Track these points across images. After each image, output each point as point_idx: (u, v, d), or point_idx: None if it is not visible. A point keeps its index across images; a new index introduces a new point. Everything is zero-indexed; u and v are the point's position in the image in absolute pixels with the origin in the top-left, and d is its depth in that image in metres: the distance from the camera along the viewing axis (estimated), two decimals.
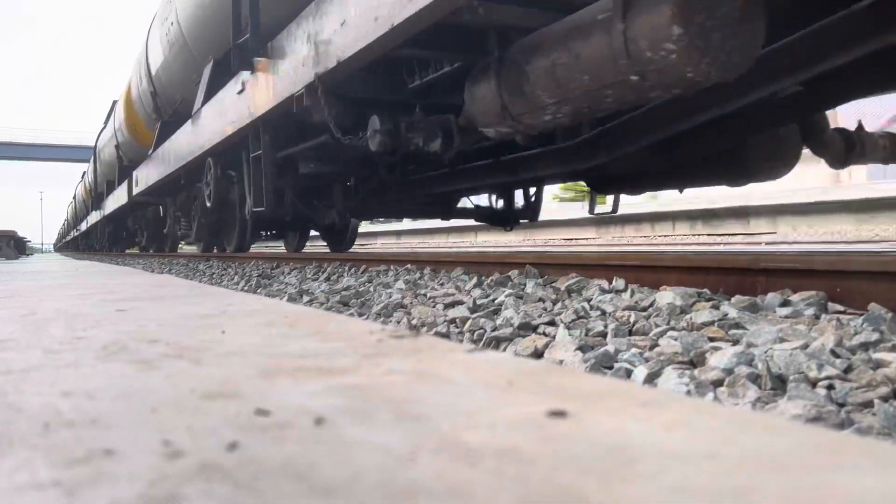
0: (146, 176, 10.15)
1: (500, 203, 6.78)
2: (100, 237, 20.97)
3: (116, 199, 14.53)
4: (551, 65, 2.59)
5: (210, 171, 6.72)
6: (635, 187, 4.73)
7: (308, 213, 6.53)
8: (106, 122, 16.60)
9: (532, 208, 6.63)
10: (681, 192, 4.61)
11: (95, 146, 18.44)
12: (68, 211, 37.18)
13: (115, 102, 15.06)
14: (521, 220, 6.86)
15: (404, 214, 8.23)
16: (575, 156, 4.02)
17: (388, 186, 6.24)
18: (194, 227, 9.06)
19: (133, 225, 15.80)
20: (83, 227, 25.96)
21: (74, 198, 31.27)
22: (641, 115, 3.45)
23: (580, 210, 22.13)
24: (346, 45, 3.31)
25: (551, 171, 4.39)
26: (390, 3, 2.83)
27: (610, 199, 5.61)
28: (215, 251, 9.77)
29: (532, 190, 6.48)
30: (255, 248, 12.07)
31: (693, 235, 16.51)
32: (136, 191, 11.36)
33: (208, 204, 6.98)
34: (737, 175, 3.98)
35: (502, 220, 6.88)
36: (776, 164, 3.85)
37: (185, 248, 14.35)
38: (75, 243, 32.98)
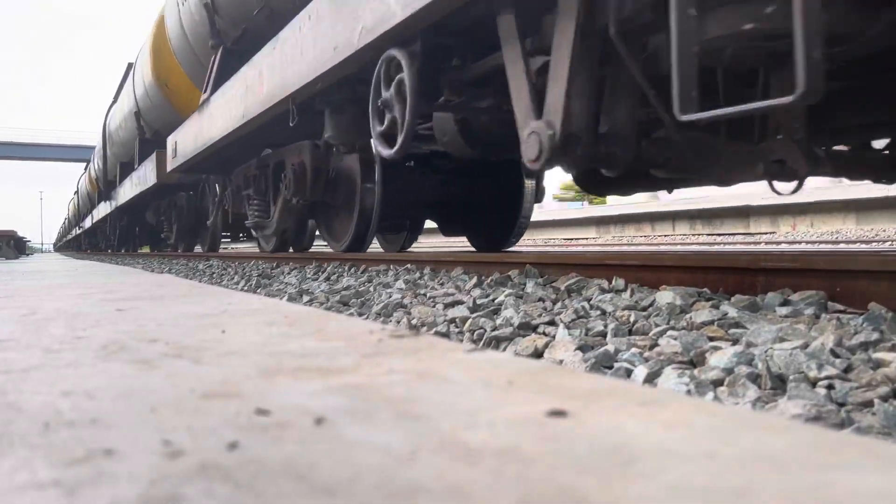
0: (196, 136, 6.85)
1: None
2: (108, 234, 17.94)
3: (136, 184, 11.27)
4: None
5: (402, 76, 3.31)
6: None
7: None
8: (117, 94, 13.91)
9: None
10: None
11: (105, 125, 15.45)
12: (69, 208, 36.59)
13: (130, 65, 12.37)
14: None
15: (857, 172, 3.50)
16: None
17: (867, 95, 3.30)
18: (276, 213, 6.27)
19: (157, 217, 12.36)
20: (87, 223, 22.74)
21: (77, 193, 29.29)
22: None
23: (580, 210, 22.15)
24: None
25: None
26: None
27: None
28: (287, 250, 6.96)
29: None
30: (255, 248, 9.63)
31: (693, 235, 16.52)
32: (172, 165, 8.03)
33: (383, 148, 3.56)
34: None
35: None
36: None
37: (235, 247, 11.94)
38: (77, 242, 32.10)
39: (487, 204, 5.81)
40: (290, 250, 6.97)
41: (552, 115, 2.52)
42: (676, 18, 1.91)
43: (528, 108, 2.67)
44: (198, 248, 10.92)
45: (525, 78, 2.70)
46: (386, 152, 3.51)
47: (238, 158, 6.78)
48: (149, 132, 11.05)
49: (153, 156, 9.73)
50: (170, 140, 8.05)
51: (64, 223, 45.17)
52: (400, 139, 3.36)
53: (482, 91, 3.36)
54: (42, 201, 79.39)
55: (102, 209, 17.11)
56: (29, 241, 23.24)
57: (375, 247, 7.21)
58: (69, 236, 37.60)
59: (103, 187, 16.36)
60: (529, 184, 5.57)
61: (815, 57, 1.67)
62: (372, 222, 5.19)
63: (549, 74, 2.56)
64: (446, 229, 6.48)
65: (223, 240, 10.49)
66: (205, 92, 6.51)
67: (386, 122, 3.49)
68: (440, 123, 4.15)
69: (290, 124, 4.68)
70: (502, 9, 2.77)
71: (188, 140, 7.12)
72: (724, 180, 2.95)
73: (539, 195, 5.62)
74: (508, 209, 5.70)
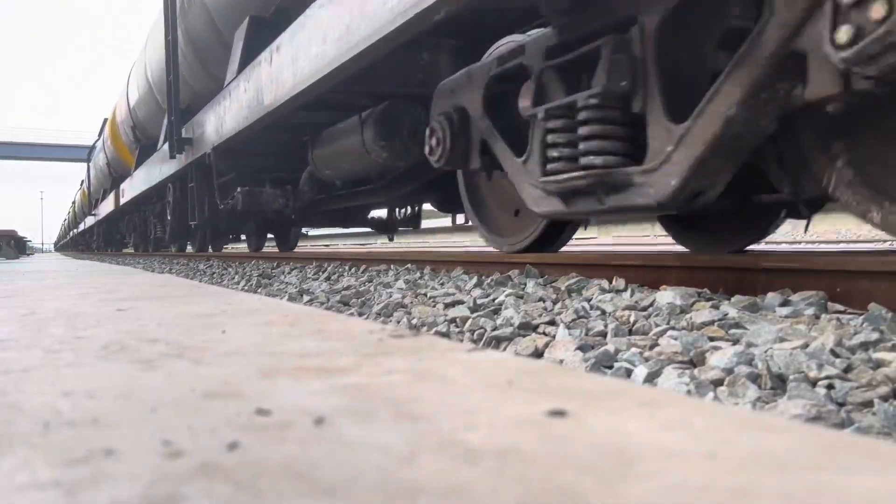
0: (130, 188, 12.57)
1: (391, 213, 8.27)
2: (95, 238, 23.65)
3: (108, 206, 17.01)
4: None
5: (170, 192, 9.41)
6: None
7: (236, 227, 9.19)
8: (99, 136, 18.87)
9: (413, 218, 8.00)
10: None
11: (89, 157, 21.04)
12: (68, 213, 37.59)
13: (105, 120, 17.24)
14: (400, 228, 8.23)
15: (331, 223, 9.52)
16: (382, 191, 5.84)
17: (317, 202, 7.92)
18: (167, 232, 10.68)
19: (124, 228, 17.90)
20: (81, 228, 28.75)
21: (74, 203, 32.77)
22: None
23: None
24: (229, 128, 5.84)
25: (373, 199, 6.28)
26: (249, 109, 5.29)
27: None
28: (185, 250, 12.07)
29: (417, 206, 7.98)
30: (239, 248, 13.79)
31: None
32: (122, 200, 13.69)
33: (168, 216, 9.55)
34: None
35: (386, 227, 8.31)
36: None
37: (185, 249, 15.46)
38: (74, 243, 33.64)
39: (280, 227, 10.31)
40: (186, 250, 11.93)
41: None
42: None
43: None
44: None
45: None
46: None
47: (152, 201, 11.73)
48: (114, 173, 16.16)
49: (114, 191, 15.06)
50: (121, 186, 13.88)
51: (64, 225, 45.57)
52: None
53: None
54: (42, 201, 79.46)
55: (91, 219, 23.11)
56: (29, 240, 23.37)
57: (359, 246, 11.40)
58: (68, 238, 38.79)
59: (90, 203, 22.24)
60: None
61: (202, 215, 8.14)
62: (206, 238, 10.76)
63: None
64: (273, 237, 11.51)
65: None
66: (133, 169, 12.12)
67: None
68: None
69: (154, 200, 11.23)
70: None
71: (129, 187, 12.56)
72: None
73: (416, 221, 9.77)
74: (288, 231, 10.73)
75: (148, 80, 9.92)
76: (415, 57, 4.02)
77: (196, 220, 7.57)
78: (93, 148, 20.69)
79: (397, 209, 7.95)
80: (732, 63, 1.85)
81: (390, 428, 0.49)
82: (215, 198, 7.29)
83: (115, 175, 16.16)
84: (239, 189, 6.40)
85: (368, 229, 8.74)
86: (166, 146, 8.09)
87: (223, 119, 5.93)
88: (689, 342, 1.45)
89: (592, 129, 2.31)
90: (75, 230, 31.82)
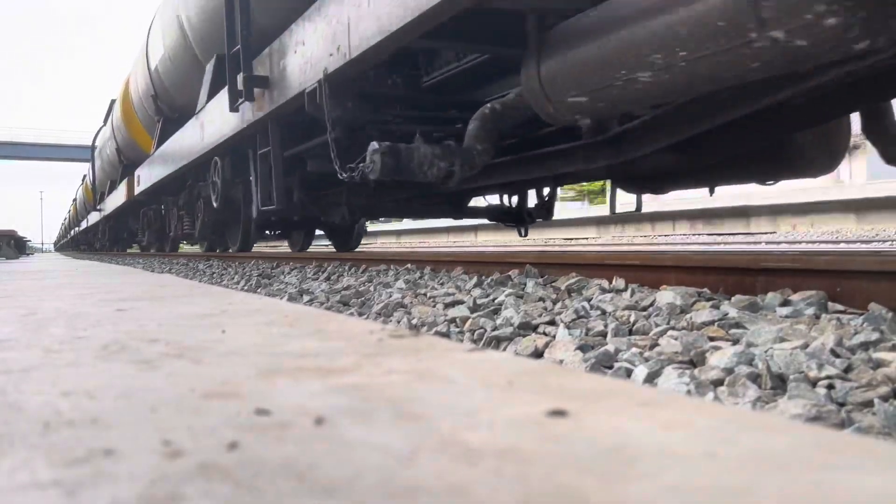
0: (148, 175, 10.09)
1: (514, 201, 6.54)
2: (100, 237, 20.94)
3: (116, 199, 14.61)
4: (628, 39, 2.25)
5: (216, 170, 6.69)
6: (661, 185, 4.53)
7: (316, 211, 6.50)
8: (105, 121, 16.51)
9: (546, 207, 6.37)
10: (711, 193, 4.35)
11: (94, 146, 18.45)
12: (69, 211, 37.24)
13: (113, 101, 15.03)
14: (535, 220, 6.59)
15: (414, 214, 7.99)
16: (600, 153, 3.72)
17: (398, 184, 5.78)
18: (198, 227, 8.90)
19: (134, 224, 15.70)
20: (83, 226, 26.12)
21: (75, 200, 31.43)
22: (668, 111, 3.20)
23: (581, 210, 22.15)
24: (364, 37, 3.12)
25: (573, 167, 4.03)
26: None
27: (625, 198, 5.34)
28: (217, 251, 9.93)
29: (546, 189, 6.26)
30: (258, 248, 12.32)
31: (693, 235, 16.52)
32: (137, 190, 11.32)
33: (214, 203, 6.95)
34: (776, 171, 3.75)
35: (516, 218, 6.61)
36: (823, 157, 3.57)
37: (185, 248, 14.43)
38: (76, 243, 32.94)
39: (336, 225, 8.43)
40: (218, 250, 9.95)
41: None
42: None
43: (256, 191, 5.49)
44: (196, 248, 13.48)
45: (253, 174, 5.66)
46: (214, 205, 7.27)
47: (178, 188, 9.54)
48: (125, 160, 14.29)
49: (125, 181, 12.93)
50: (136, 172, 11.59)
51: (64, 224, 45.44)
52: (218, 201, 7.09)
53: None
54: (42, 201, 79.48)
55: (95, 216, 20.32)
56: (29, 240, 23.26)
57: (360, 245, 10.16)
58: (69, 237, 38.25)
59: (95, 198, 19.56)
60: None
61: (280, 190, 5.03)
62: (251, 233, 8.39)
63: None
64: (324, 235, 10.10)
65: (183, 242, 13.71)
66: (153, 147, 9.77)
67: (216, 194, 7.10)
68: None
69: (187, 183, 8.78)
70: (249, 148, 5.82)
71: (147, 174, 10.42)
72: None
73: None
74: (350, 227, 8.88)
75: (181, 24, 7.07)
76: None
77: (277, 204, 4.94)
78: (96, 139, 18.26)
79: (531, 194, 6.34)
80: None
81: (390, 428, 0.49)
82: (291, 174, 5.39)
83: (127, 163, 13.88)
84: (376, 146, 3.50)
85: (449, 221, 7.58)
86: (210, 104, 6.07)
87: (355, 17, 3.23)
88: (689, 342, 1.45)
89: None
90: (77, 228, 30.35)
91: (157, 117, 9.84)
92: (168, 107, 9.32)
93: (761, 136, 3.35)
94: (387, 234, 28.10)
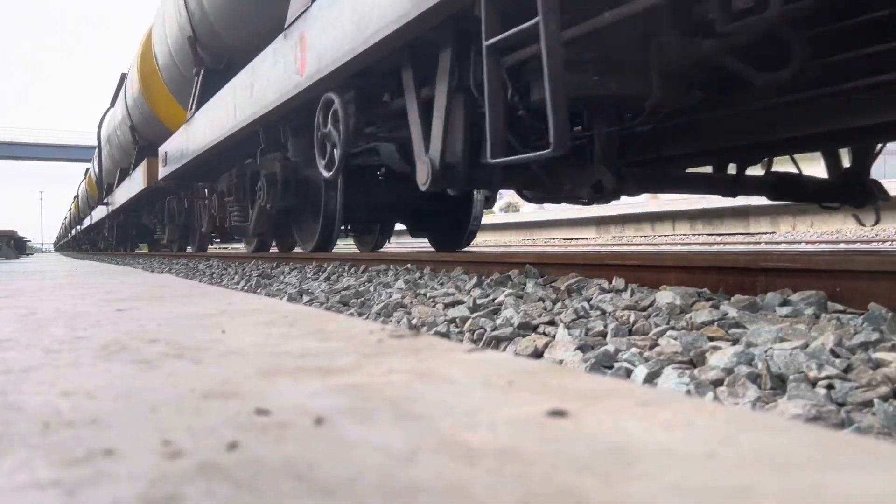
0: (180, 151, 7.68)
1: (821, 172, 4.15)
2: (106, 235, 18.79)
3: (130, 188, 12.31)
4: None
5: (336, 109, 4.05)
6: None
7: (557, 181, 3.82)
8: (113, 101, 14.58)
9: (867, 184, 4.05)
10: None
11: (99, 133, 16.54)
12: (70, 209, 36.83)
13: (123, 76, 13.14)
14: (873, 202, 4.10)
15: (680, 186, 4.18)
16: None
17: (669, 134, 3.81)
18: (253, 217, 6.64)
19: (151, 219, 13.03)
20: (86, 223, 24.04)
21: (77, 197, 30.56)
22: None
23: (580, 210, 22.16)
24: None
25: None
26: None
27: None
28: (278, 250, 7.80)
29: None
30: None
31: (693, 235, 16.52)
32: (163, 173, 8.88)
33: (324, 170, 4.31)
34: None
35: (849, 196, 4.10)
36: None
37: (213, 249, 12.52)
38: (77, 242, 32.41)
39: (444, 210, 6.59)
40: (276, 249, 7.82)
41: (434, 151, 3.30)
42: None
43: (420, 144, 3.43)
44: (241, 247, 11.55)
45: (418, 121, 3.47)
46: (326, 174, 4.37)
47: (221, 168, 7.36)
48: (142, 141, 11.99)
49: (144, 163, 10.70)
50: (161, 150, 8.89)
51: (64, 223, 45.22)
52: (335, 165, 4.21)
53: (404, 121, 3.71)
54: (42, 201, 79.48)
55: (101, 211, 17.96)
56: (29, 240, 23.20)
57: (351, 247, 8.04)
58: (69, 237, 37.83)
59: (100, 191, 17.40)
60: (478, 194, 6.32)
61: (560, 122, 2.30)
62: (335, 225, 6.00)
63: (433, 120, 3.31)
64: (413, 231, 7.38)
65: (215, 241, 11.32)
66: (190, 109, 7.33)
67: (327, 153, 4.32)
68: (383, 145, 4.80)
69: (261, 146, 5.86)
70: (403, 66, 3.56)
71: (176, 151, 7.88)
72: (566, 199, 3.97)
73: (490, 202, 6.50)
74: (462, 215, 6.59)
75: None
76: None
77: (554, 143, 2.25)
78: (101, 125, 15.95)
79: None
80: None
81: (390, 428, 0.49)
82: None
83: (143, 143, 11.49)
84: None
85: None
86: (299, 26, 4.14)
87: None
88: (688, 342, 1.45)
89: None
90: (78, 227, 28.71)
91: (195, 69, 7.46)
92: (210, 54, 7.06)
93: None
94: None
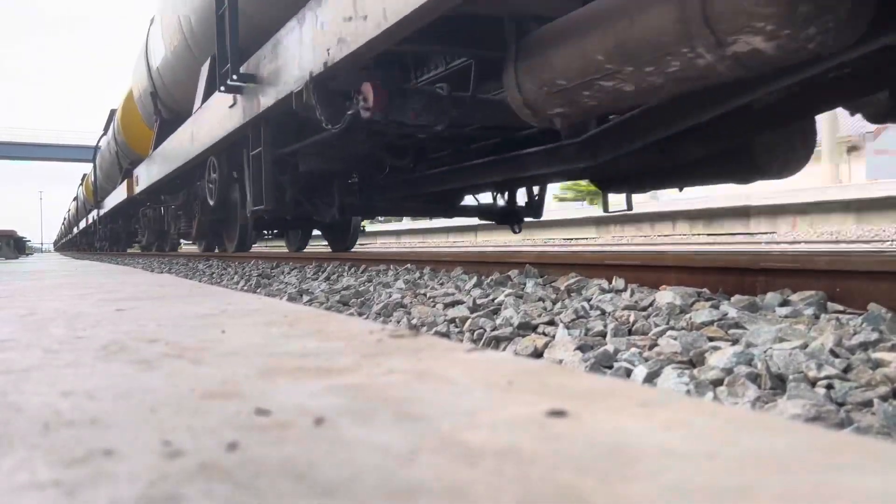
0: (147, 174, 10.25)
1: (503, 201, 6.81)
2: (100, 236, 21.09)
3: (116, 198, 14.93)
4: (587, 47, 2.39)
5: (213, 170, 6.82)
6: (639, 186, 4.66)
7: (309, 210, 6.61)
8: (106, 129, 17.43)
9: (535, 206, 6.62)
10: (680, 190, 4.54)
11: (96, 151, 19.13)
12: (69, 210, 37.07)
13: (112, 111, 15.98)
14: (524, 219, 6.84)
15: (406, 212, 8.10)
16: (577, 154, 3.89)
17: (390, 183, 6.32)
18: (195, 226, 9.06)
19: (134, 224, 15.91)
20: (83, 225, 26.36)
21: (76, 198, 31.33)
22: (642, 113, 3.32)
23: (580, 210, 22.16)
24: (347, 40, 3.22)
25: (553, 168, 4.24)
26: None
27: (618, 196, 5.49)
28: (216, 250, 10.00)
29: (535, 188, 6.50)
30: (256, 248, 12.51)
31: (693, 235, 16.52)
32: (136, 189, 11.49)
33: (210, 202, 7.14)
34: (743, 173, 3.83)
35: (506, 217, 6.84)
36: (787, 160, 3.68)
37: (186, 248, 14.58)
38: (76, 243, 32.86)
39: (333, 223, 8.47)
40: (217, 250, 9.99)
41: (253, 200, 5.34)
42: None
43: (249, 194, 5.50)
44: (195, 248, 13.40)
45: (249, 179, 5.46)
46: (210, 203, 7.38)
47: (178, 187, 9.57)
48: (125, 164, 14.77)
49: (125, 180, 13.22)
50: (135, 171, 11.78)
51: (64, 224, 45.26)
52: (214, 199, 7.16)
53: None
54: (42, 201, 79.47)
55: (94, 216, 20.71)
56: (29, 240, 23.20)
57: (359, 246, 10.46)
58: (69, 237, 38.08)
59: (95, 198, 20.09)
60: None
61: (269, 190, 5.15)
62: (248, 232, 8.46)
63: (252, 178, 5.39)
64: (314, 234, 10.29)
65: (183, 243, 13.96)
66: (151, 149, 9.90)
67: (215, 191, 7.00)
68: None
69: (179, 183, 8.92)
70: (244, 145, 5.47)
71: (145, 173, 10.52)
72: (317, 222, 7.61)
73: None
74: (347, 226, 8.88)
75: (180, 25, 7.32)
76: None
77: (266, 204, 5.01)
78: (99, 143, 18.95)
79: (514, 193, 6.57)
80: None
81: (390, 428, 0.49)
82: (284, 173, 5.66)
83: (126, 165, 14.38)
84: (368, 84, 3.53)
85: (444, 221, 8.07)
86: (205, 105, 6.18)
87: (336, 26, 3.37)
88: (688, 342, 1.45)
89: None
90: (77, 228, 30.38)
91: (155, 117, 10.02)
92: (166, 108, 9.41)
93: (729, 137, 3.43)
94: (387, 235, 28.10)
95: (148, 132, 11.24)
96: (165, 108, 9.45)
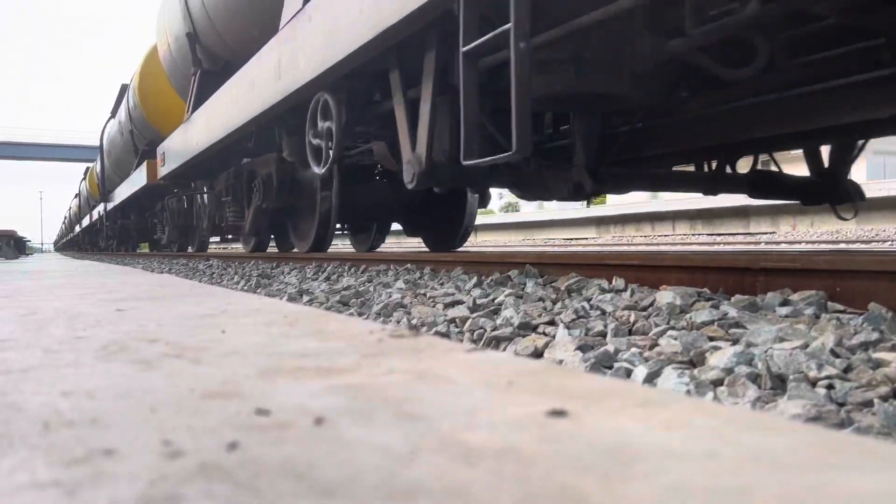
0: (181, 147, 7.63)
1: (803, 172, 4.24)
2: (107, 234, 18.86)
3: (130, 188, 12.83)
4: None
5: (324, 114, 4.30)
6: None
7: (534, 177, 3.99)
8: (114, 111, 15.46)
9: (841, 179, 4.15)
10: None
11: (102, 140, 17.25)
12: (70, 208, 36.55)
13: (124, 87, 14.11)
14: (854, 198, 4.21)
15: (661, 184, 4.23)
16: None
17: (648, 134, 4.04)
18: (249, 217, 6.69)
19: (151, 219, 13.76)
20: (86, 223, 24.39)
21: (78, 195, 30.32)
22: None
23: (580, 210, 22.17)
24: None
25: None
26: None
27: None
28: (279, 251, 7.71)
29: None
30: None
31: (693, 235, 16.52)
32: (161, 172, 8.92)
33: (319, 170, 4.51)
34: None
35: (827, 196, 4.20)
36: None
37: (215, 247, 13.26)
38: (77, 242, 32.19)
39: (438, 209, 6.55)
40: (277, 250, 7.88)
41: (420, 150, 3.41)
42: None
43: (407, 143, 3.54)
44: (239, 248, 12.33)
45: (405, 121, 3.58)
46: (318, 170, 4.56)
47: (218, 168, 7.47)
48: (141, 145, 12.64)
49: (144, 164, 11.10)
50: (159, 149, 9.02)
51: (64, 223, 45.00)
52: (327, 161, 4.38)
53: (393, 121, 3.81)
54: (42, 201, 79.47)
55: (100, 211, 18.52)
56: (29, 240, 23.15)
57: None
58: (70, 236, 37.56)
59: (102, 192, 17.86)
60: (471, 193, 6.26)
61: (523, 125, 2.36)
62: (331, 225, 5.92)
63: (419, 120, 3.39)
64: (408, 231, 7.26)
65: (212, 241, 11.65)
66: (188, 110, 7.33)
67: (321, 152, 4.48)
68: (376, 144, 4.84)
69: (250, 145, 6.05)
70: (390, 68, 3.69)
71: (174, 150, 7.97)
72: (549, 198, 3.96)
73: (484, 201, 6.19)
74: (457, 214, 6.48)
75: None
76: None
77: (517, 145, 2.39)
78: (103, 135, 16.79)
79: None
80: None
81: (390, 428, 0.49)
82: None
83: (143, 147, 12.08)
84: None
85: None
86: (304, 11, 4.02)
87: None
88: (688, 342, 1.45)
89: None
90: (79, 225, 28.67)
91: (194, 70, 7.54)
92: (210, 56, 7.14)
93: None
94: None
95: (175, 101, 9.10)
96: (208, 55, 7.11)
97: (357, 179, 6.33)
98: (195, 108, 6.99)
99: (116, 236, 17.90)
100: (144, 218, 14.56)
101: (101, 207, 18.45)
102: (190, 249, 10.98)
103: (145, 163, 11.06)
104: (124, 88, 14.10)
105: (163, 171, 8.77)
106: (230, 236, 9.13)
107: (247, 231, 7.04)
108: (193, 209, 9.46)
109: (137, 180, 11.85)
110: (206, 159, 7.00)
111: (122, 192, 14.23)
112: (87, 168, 25.31)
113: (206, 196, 8.61)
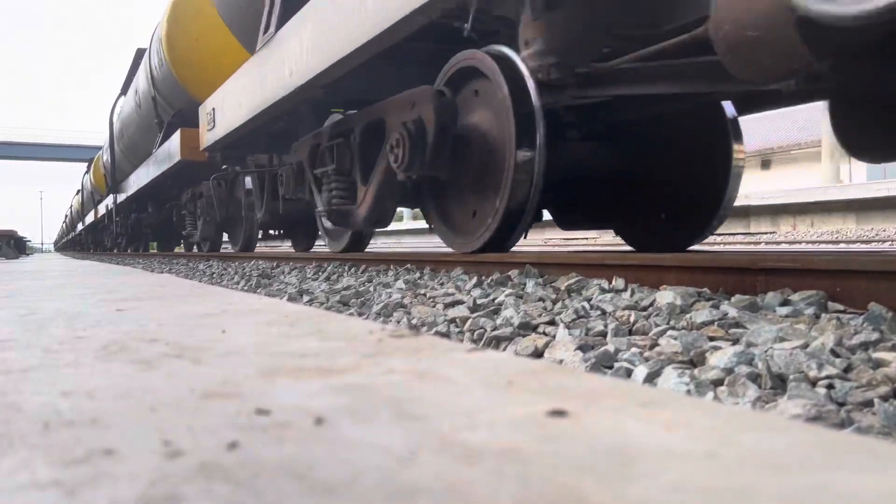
0: (249, 96, 4.92)
1: None
2: (115, 231, 15.72)
3: (151, 170, 9.47)
4: None
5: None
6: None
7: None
8: (125, 87, 12.92)
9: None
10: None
11: (111, 118, 14.33)
12: (72, 206, 35.97)
13: (140, 50, 11.45)
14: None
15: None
16: None
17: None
18: (366, 197, 4.49)
19: (178, 210, 10.34)
20: (90, 219, 21.39)
21: (80, 191, 28.60)
22: None
23: None
24: None
25: None
26: None
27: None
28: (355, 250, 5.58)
29: None
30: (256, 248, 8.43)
31: None
32: (210, 138, 5.95)
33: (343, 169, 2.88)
34: None
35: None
36: None
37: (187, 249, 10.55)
38: (80, 241, 31.31)
39: (673, 184, 3.90)
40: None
41: None
42: None
43: None
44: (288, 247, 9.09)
45: None
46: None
47: (294, 132, 5.02)
48: (166, 116, 9.67)
49: (177, 134, 8.20)
50: (203, 108, 6.22)
51: (65, 222, 44.78)
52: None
53: None
54: (42, 201, 79.49)
55: (109, 206, 15.44)
56: (29, 240, 23.11)
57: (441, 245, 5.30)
58: (70, 236, 37.10)
59: (111, 181, 14.84)
60: (739, 156, 3.66)
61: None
62: (528, 208, 3.36)
63: None
64: (585, 218, 4.68)
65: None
66: (262, 33, 4.64)
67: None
68: None
69: (466, 28, 3.15)
70: None
71: (234, 104, 5.13)
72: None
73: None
74: (703, 193, 3.79)
75: None
76: None
77: None
78: (112, 113, 13.44)
79: None
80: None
81: (390, 428, 0.49)
82: None
83: (169, 119, 9.23)
84: None
85: None
86: None
87: None
88: (688, 342, 1.45)
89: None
90: (82, 223, 26.35)
91: None
92: None
93: None
94: (387, 235, 28.11)
95: (221, 45, 6.18)
96: None
97: (560, 130, 3.84)
98: (278, 27, 4.44)
99: (127, 233, 14.89)
100: (164, 210, 11.46)
101: (108, 201, 15.29)
102: (228, 249, 8.42)
103: (178, 132, 8.21)
104: (140, 53, 11.37)
105: (210, 137, 5.90)
106: (330, 225, 5.32)
107: (364, 216, 4.46)
108: (237, 197, 6.81)
109: (164, 158, 8.97)
110: (294, 111, 4.46)
111: (139, 180, 11.25)
112: (90, 161, 22.05)
113: (264, 175, 5.79)
